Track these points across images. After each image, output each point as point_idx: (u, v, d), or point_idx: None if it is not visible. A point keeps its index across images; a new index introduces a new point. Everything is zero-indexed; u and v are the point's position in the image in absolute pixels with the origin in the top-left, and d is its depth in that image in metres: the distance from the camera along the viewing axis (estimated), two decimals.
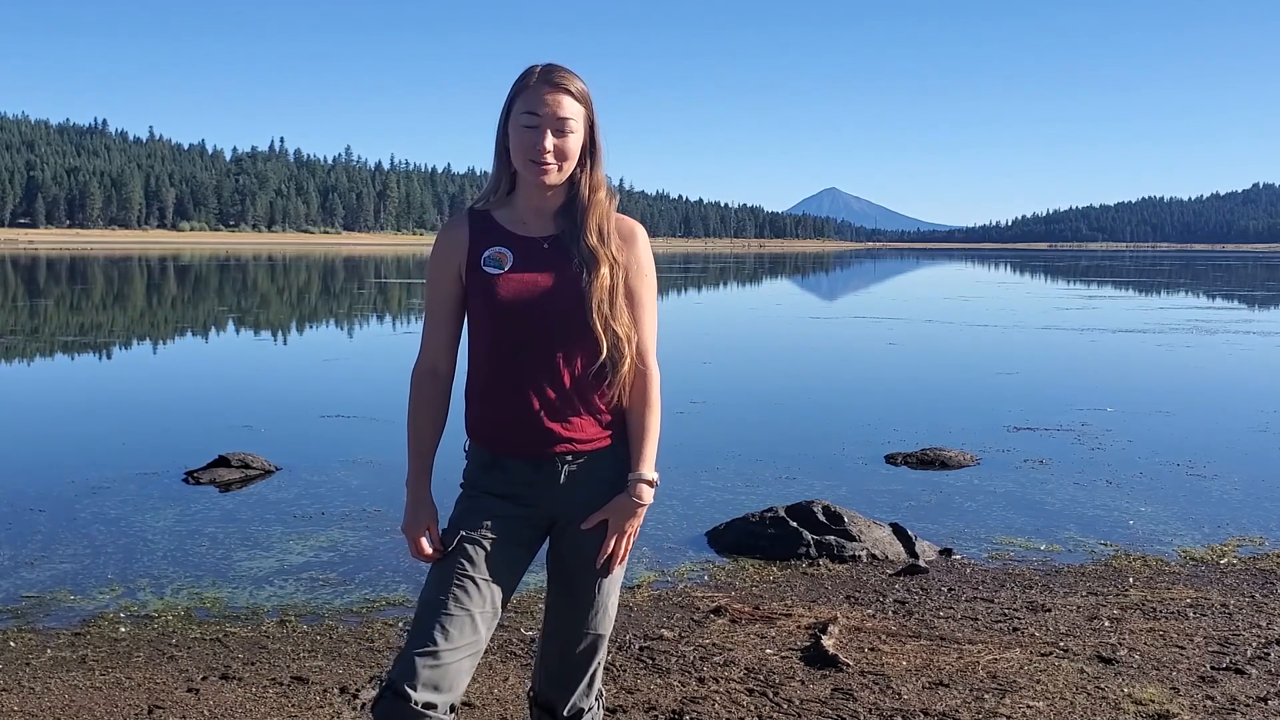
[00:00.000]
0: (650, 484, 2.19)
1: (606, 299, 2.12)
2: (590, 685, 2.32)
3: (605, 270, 2.13)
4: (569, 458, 2.16)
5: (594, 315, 2.11)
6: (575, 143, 2.14)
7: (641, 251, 2.21)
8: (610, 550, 2.19)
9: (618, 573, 2.26)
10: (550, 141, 2.10)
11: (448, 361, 2.25)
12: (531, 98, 2.11)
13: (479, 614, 2.09)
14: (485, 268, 2.15)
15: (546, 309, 2.12)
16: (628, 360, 2.15)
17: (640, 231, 2.23)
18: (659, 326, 2.27)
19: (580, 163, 2.17)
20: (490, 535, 2.15)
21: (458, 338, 2.25)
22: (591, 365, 2.13)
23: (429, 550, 2.17)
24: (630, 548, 2.24)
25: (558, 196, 2.19)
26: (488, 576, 2.12)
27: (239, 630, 4.29)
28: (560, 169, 2.14)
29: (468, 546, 2.14)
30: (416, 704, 1.97)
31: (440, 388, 2.24)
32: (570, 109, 2.11)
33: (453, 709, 2.04)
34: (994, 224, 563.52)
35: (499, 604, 2.14)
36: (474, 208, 2.25)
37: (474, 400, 2.21)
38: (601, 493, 2.19)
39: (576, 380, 2.14)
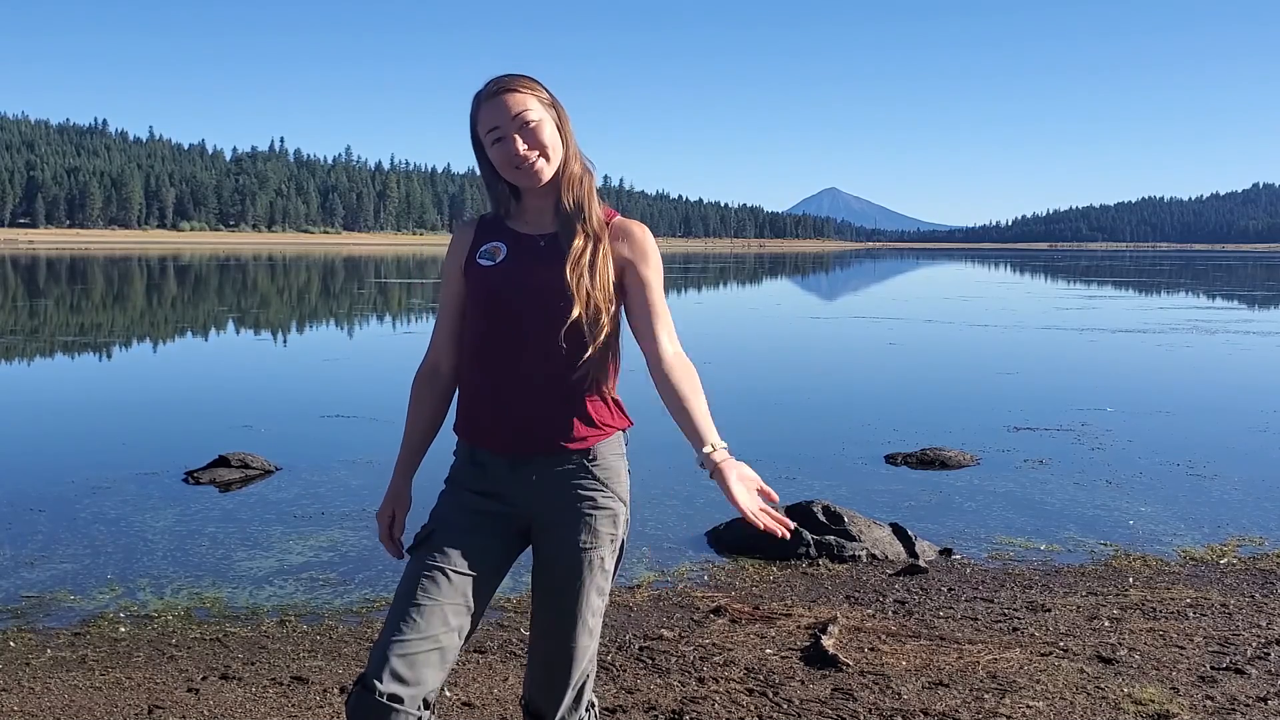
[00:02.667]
0: (721, 448, 1.97)
1: (586, 265, 2.11)
2: (579, 698, 2.26)
3: (579, 241, 2.13)
4: (546, 457, 2.14)
5: (569, 275, 2.09)
6: (547, 131, 2.13)
7: (646, 243, 2.19)
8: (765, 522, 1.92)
9: (601, 583, 2.19)
10: (522, 145, 2.11)
11: (450, 360, 2.25)
12: (487, 114, 2.13)
13: (449, 605, 2.06)
14: (479, 261, 2.18)
15: (531, 301, 2.11)
16: (604, 332, 2.11)
17: (640, 229, 2.21)
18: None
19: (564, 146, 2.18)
20: (465, 529, 2.14)
21: (462, 337, 2.24)
22: (577, 362, 2.10)
23: (389, 536, 2.24)
24: (774, 511, 1.93)
25: (553, 193, 2.18)
26: (460, 569, 2.09)
27: (239, 630, 4.29)
28: (548, 160, 2.13)
29: (441, 539, 2.12)
30: (381, 695, 1.95)
31: (440, 385, 2.25)
32: (523, 103, 2.11)
33: (426, 704, 2.01)
34: (994, 224, 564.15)
35: (473, 596, 2.11)
36: (485, 215, 2.27)
37: (460, 395, 2.22)
38: (574, 496, 2.15)
39: (560, 377, 2.12)
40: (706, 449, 1.98)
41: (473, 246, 2.21)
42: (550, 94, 2.18)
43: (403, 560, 2.21)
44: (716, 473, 1.95)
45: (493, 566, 2.17)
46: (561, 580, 2.17)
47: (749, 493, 1.93)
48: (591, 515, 2.16)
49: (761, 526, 1.92)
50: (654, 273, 2.18)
